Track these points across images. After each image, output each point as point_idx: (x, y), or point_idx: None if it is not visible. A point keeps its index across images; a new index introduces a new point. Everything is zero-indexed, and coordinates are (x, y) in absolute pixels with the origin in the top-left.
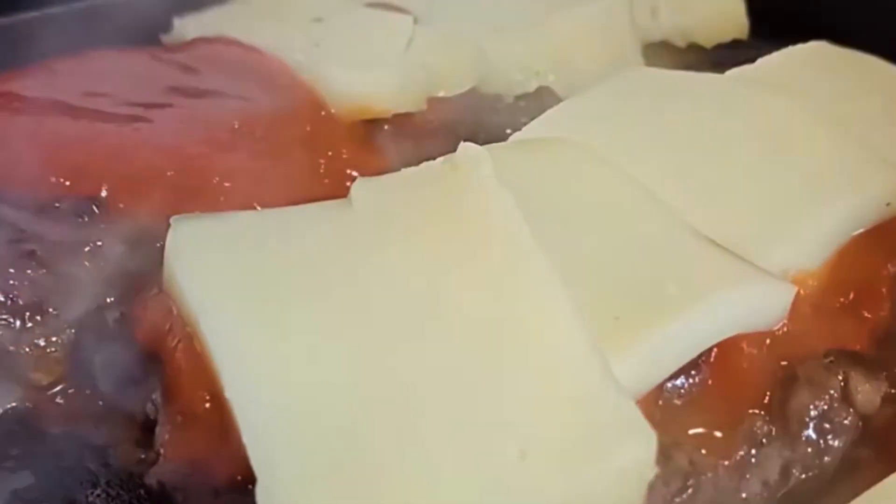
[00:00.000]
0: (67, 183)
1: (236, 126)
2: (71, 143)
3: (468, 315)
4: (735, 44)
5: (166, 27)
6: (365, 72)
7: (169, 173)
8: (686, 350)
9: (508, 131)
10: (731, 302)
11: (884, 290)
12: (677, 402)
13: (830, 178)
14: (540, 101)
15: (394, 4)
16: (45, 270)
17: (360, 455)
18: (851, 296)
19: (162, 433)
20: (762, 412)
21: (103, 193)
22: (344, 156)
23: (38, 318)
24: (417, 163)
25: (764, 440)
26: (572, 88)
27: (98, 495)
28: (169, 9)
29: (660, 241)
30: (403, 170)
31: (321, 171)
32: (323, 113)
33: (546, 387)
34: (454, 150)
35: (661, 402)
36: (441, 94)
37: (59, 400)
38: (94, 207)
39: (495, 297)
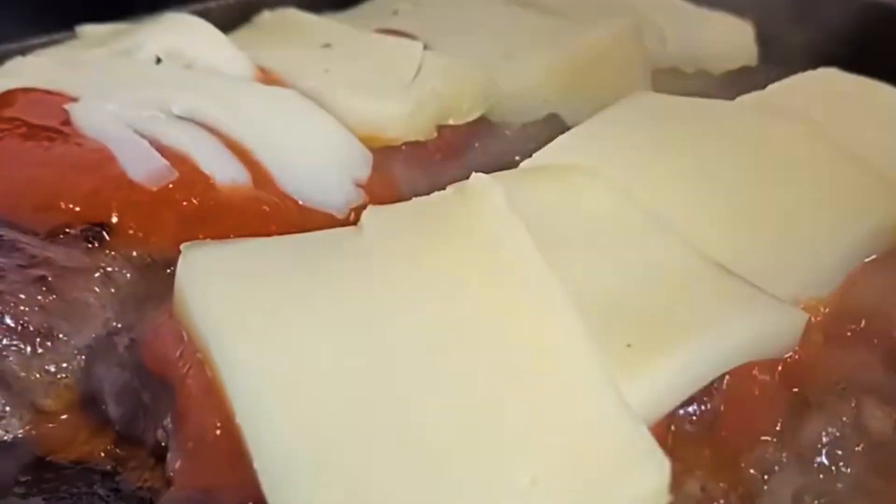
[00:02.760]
0: (78, 209)
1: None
2: (81, 168)
3: (481, 342)
4: (744, 70)
5: None
6: (375, 100)
7: (179, 199)
8: (698, 377)
9: (517, 158)
10: (743, 329)
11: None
12: (690, 428)
13: (841, 205)
14: (549, 128)
15: (403, 31)
16: (55, 296)
17: (371, 481)
18: (863, 322)
19: (173, 460)
20: (774, 439)
21: (114, 219)
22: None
23: (49, 343)
24: (428, 190)
25: (776, 467)
26: (581, 115)
27: None
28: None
29: (671, 268)
30: (414, 199)
31: None
32: None
33: (558, 413)
34: (464, 178)
35: (673, 429)
36: (450, 121)
37: (69, 426)
38: (105, 233)
39: (508, 324)
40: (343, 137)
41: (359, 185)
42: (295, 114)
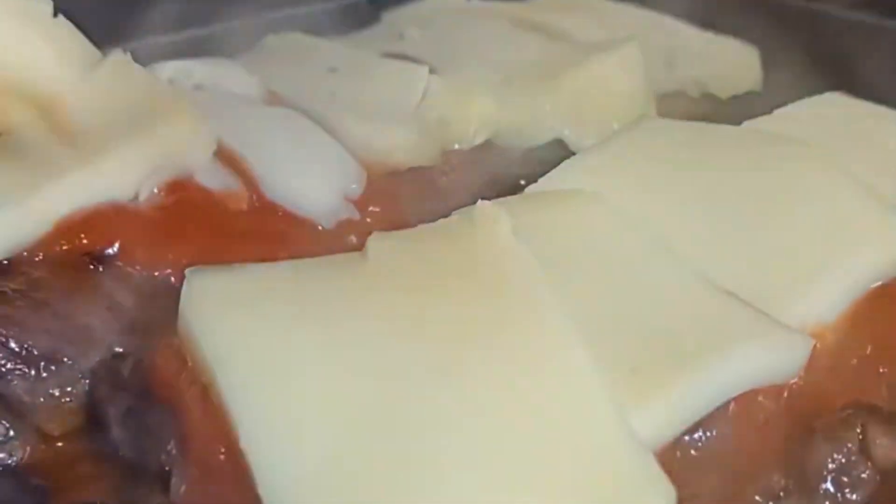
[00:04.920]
0: (82, 232)
1: None
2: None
3: (485, 369)
4: (750, 95)
5: None
6: (380, 124)
7: (184, 222)
8: (704, 403)
9: (523, 183)
10: (749, 355)
11: None
12: (695, 455)
13: (848, 231)
14: (555, 152)
15: (409, 55)
16: (59, 320)
17: None
18: (869, 349)
19: (177, 484)
20: (780, 465)
21: (118, 242)
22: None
23: (53, 367)
24: (434, 215)
25: (781, 493)
26: (587, 140)
27: None
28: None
29: (677, 293)
30: (420, 225)
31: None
32: None
33: (564, 440)
34: (470, 203)
35: (678, 455)
36: (456, 146)
37: (72, 450)
38: (110, 257)
39: (512, 350)
40: (335, 150)
41: (350, 200)
42: (287, 125)
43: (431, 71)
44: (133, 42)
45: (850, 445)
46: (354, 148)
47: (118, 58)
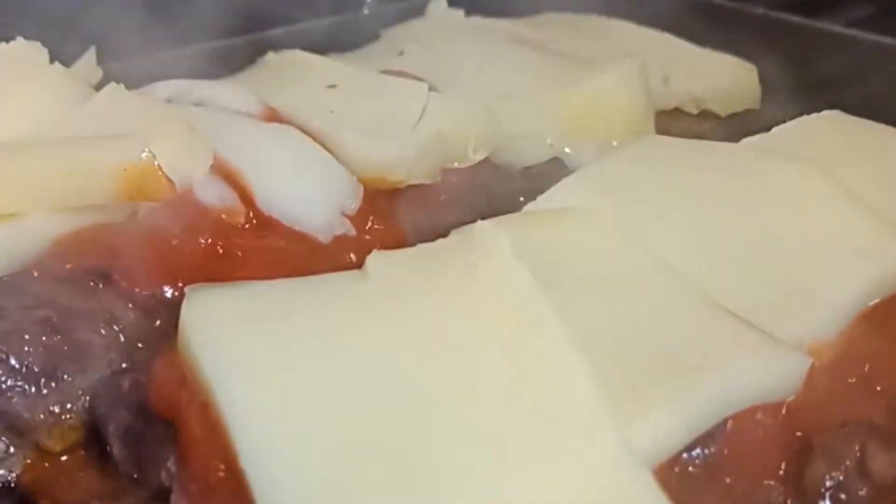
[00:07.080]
0: (83, 248)
1: None
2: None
3: (484, 387)
4: (748, 112)
5: None
6: (379, 142)
7: (184, 240)
8: (702, 420)
9: (522, 199)
10: (747, 373)
11: None
12: (693, 472)
13: (846, 249)
14: (554, 170)
15: (408, 72)
16: (59, 337)
17: None
18: (867, 367)
19: (177, 501)
20: (778, 482)
21: (117, 260)
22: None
23: (53, 384)
24: (432, 233)
25: None
26: (586, 158)
27: None
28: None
29: (676, 311)
30: (419, 245)
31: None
32: None
33: (562, 457)
34: (468, 221)
35: (677, 472)
36: (455, 164)
37: (72, 467)
38: (109, 274)
39: (512, 368)
40: (332, 166)
41: (346, 216)
42: (284, 141)
43: (430, 88)
44: (134, 59)
45: (848, 462)
46: (353, 164)
47: (110, 88)
